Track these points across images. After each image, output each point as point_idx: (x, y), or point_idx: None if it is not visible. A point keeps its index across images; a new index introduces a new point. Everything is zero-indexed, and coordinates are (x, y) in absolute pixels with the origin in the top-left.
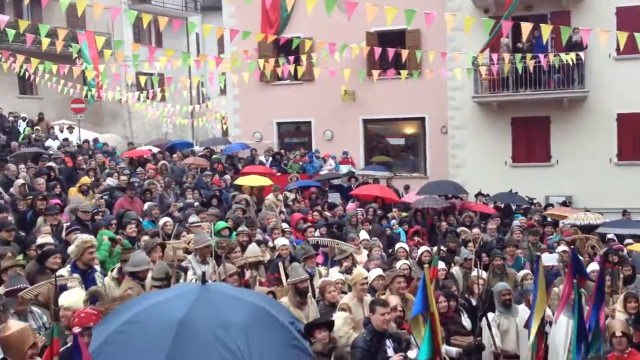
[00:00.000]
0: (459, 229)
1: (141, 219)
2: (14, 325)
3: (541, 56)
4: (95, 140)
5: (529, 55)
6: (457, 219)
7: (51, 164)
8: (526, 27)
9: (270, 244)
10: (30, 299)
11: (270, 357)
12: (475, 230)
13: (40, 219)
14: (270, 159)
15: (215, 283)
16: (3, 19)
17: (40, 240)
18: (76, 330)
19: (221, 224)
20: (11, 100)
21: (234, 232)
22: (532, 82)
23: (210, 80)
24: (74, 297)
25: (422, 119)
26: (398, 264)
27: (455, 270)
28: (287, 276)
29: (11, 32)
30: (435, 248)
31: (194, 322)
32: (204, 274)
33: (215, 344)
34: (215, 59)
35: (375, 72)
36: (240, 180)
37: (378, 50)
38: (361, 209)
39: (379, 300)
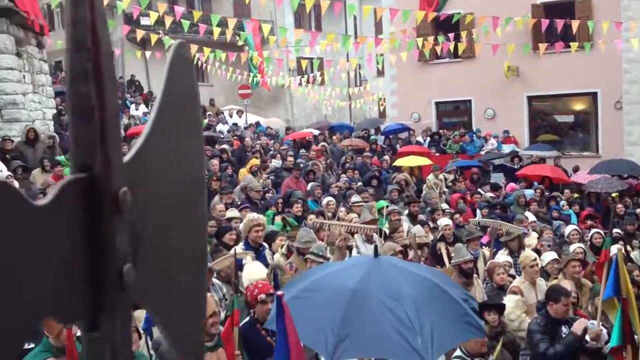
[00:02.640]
0: (638, 211)
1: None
2: None
3: None
4: (257, 124)
5: None
6: (633, 200)
7: (224, 146)
8: None
9: (431, 224)
10: (213, 272)
11: (441, 329)
12: None
13: (216, 198)
14: (429, 139)
15: (387, 257)
16: (178, 10)
17: (229, 214)
18: (279, 292)
19: (382, 203)
20: None
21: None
22: None
23: (369, 62)
24: (258, 272)
25: (594, 94)
26: (572, 247)
27: (635, 254)
28: (449, 258)
29: (186, 23)
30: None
31: (366, 291)
32: (376, 247)
33: (385, 313)
34: (375, 40)
35: (542, 46)
36: (399, 161)
37: (545, 22)
38: (529, 190)
39: (563, 290)
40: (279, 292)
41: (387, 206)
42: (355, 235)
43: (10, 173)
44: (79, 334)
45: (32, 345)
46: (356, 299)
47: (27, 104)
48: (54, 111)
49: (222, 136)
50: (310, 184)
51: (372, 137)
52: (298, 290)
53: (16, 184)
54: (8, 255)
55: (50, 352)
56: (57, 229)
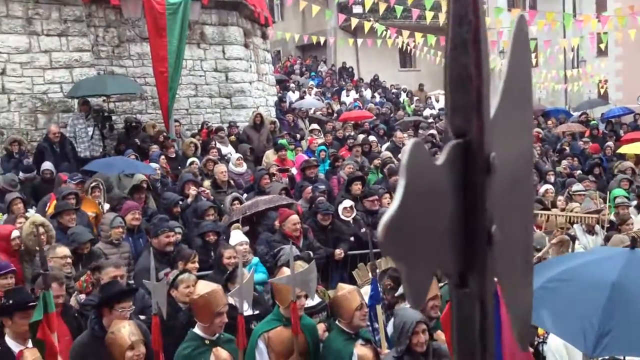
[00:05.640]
0: None
1: None
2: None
3: None
4: None
5: None
6: None
7: (433, 131)
8: None
9: None
10: None
11: None
12: None
13: None
14: None
15: None
16: None
17: None
18: None
19: (618, 192)
20: (393, 74)
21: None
22: None
23: (591, 41)
24: None
25: None
26: None
27: None
28: None
29: (399, 9)
30: None
31: (627, 285)
32: (608, 237)
33: None
34: (600, 18)
35: None
36: (624, 148)
37: None
38: None
39: None
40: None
41: (623, 196)
42: (575, 226)
43: (240, 155)
44: (309, 304)
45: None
46: (617, 292)
47: (252, 91)
48: (275, 98)
49: (429, 121)
50: None
51: (593, 122)
52: (543, 280)
53: (245, 165)
54: (420, 203)
55: (279, 320)
56: (447, 186)
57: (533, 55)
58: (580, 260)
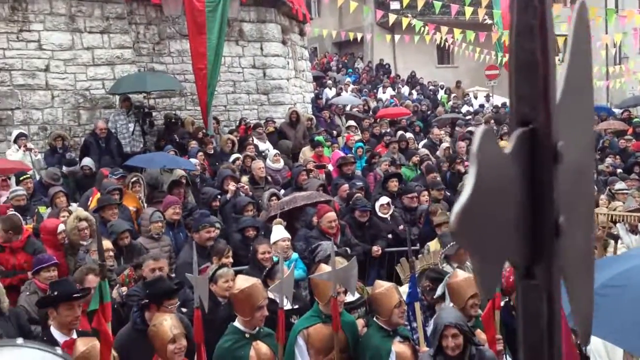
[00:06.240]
0: None
1: None
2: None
3: None
4: (504, 105)
5: None
6: None
7: (472, 128)
8: None
9: None
10: None
11: None
12: None
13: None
14: None
15: None
16: None
17: None
18: None
19: None
20: (431, 70)
21: None
22: None
23: (634, 37)
24: None
25: None
26: None
27: None
28: None
29: (437, 4)
30: None
31: None
32: None
33: None
34: None
35: None
36: None
37: None
38: None
39: None
40: None
41: None
42: (618, 225)
43: (277, 151)
44: (349, 299)
45: None
46: None
47: (290, 88)
48: (312, 95)
49: (466, 118)
50: None
51: (636, 119)
52: (595, 285)
53: (282, 161)
54: (490, 193)
55: (319, 317)
56: (515, 175)
57: None
58: (629, 264)
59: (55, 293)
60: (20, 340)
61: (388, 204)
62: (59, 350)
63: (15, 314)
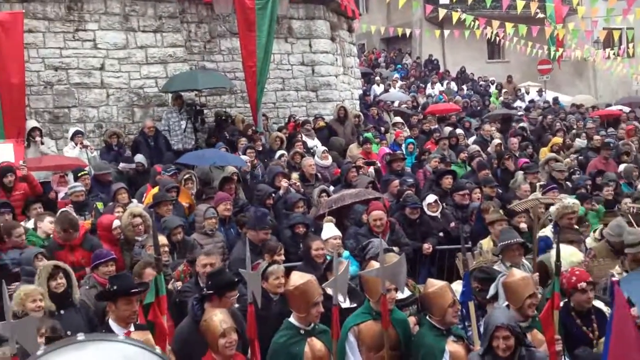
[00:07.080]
0: None
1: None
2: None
3: None
4: (556, 100)
5: None
6: None
7: (524, 124)
8: None
9: None
10: None
11: None
12: None
13: (520, 176)
14: None
15: None
16: None
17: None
18: (613, 279)
19: None
20: (481, 65)
21: None
22: None
23: None
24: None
25: None
26: None
27: None
28: None
29: None
30: None
31: None
32: None
33: None
34: None
35: None
36: None
37: None
38: None
39: None
40: (614, 279)
41: None
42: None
43: (325, 148)
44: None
45: None
46: None
47: (338, 85)
48: (360, 91)
49: (519, 113)
50: (624, 166)
51: None
52: None
53: (330, 158)
54: None
55: (369, 314)
56: None
57: (630, 45)
58: None
59: (115, 287)
60: (121, 337)
61: (436, 201)
62: (158, 350)
63: (86, 306)
